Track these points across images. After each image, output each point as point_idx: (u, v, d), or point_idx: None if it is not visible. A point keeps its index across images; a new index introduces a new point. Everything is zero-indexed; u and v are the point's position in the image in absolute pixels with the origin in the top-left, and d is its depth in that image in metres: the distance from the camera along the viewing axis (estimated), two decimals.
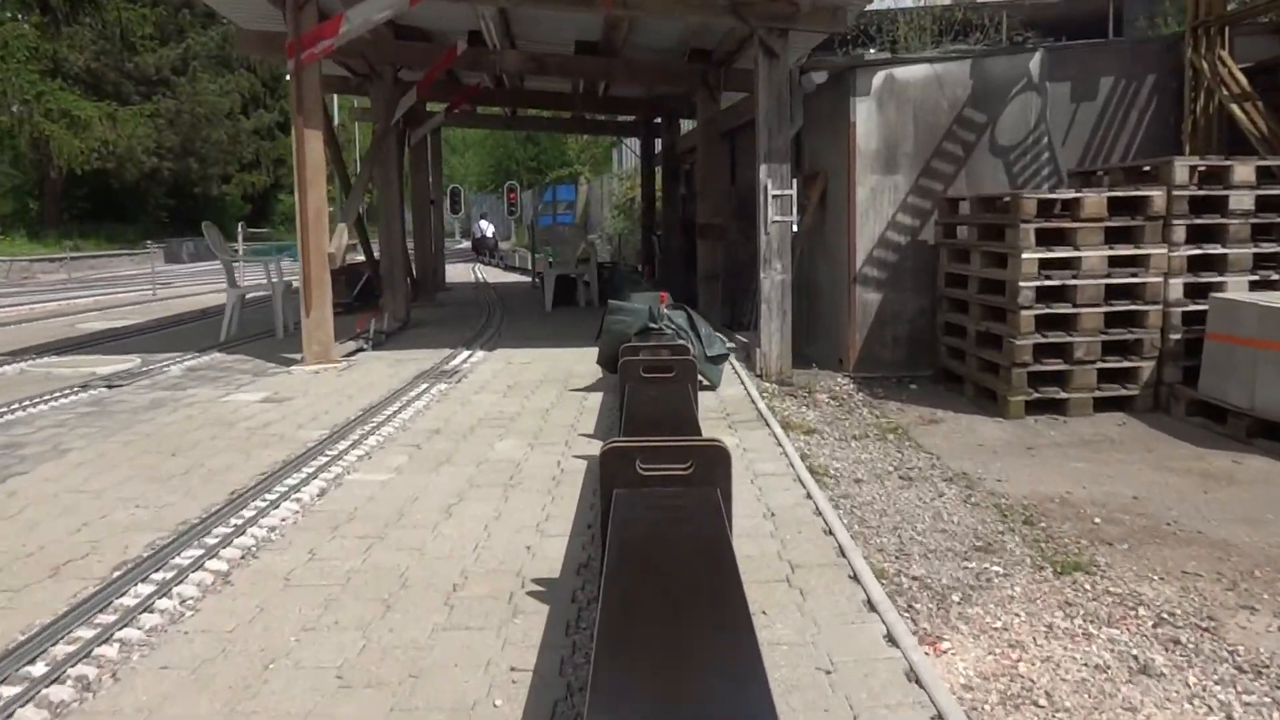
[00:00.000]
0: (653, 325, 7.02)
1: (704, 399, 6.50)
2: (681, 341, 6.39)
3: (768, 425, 5.90)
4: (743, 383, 7.43)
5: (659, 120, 16.79)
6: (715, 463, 2.73)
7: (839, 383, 8.16)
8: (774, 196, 7.99)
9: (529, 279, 20.25)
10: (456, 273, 24.19)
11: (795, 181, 8.05)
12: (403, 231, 11.53)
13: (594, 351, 7.44)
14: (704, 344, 7.17)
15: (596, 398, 6.81)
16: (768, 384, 7.94)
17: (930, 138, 8.26)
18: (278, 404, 6.64)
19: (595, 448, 5.28)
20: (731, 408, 6.45)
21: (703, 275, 11.47)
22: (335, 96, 17.57)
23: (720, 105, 11.37)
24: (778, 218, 8.01)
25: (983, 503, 4.97)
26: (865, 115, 8.20)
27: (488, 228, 43.82)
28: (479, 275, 22.54)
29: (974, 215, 7.51)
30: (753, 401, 6.67)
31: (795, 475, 4.89)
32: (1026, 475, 5.52)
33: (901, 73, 8.22)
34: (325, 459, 5.06)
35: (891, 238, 8.30)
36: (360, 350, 9.19)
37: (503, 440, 5.49)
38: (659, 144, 17.63)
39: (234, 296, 10.51)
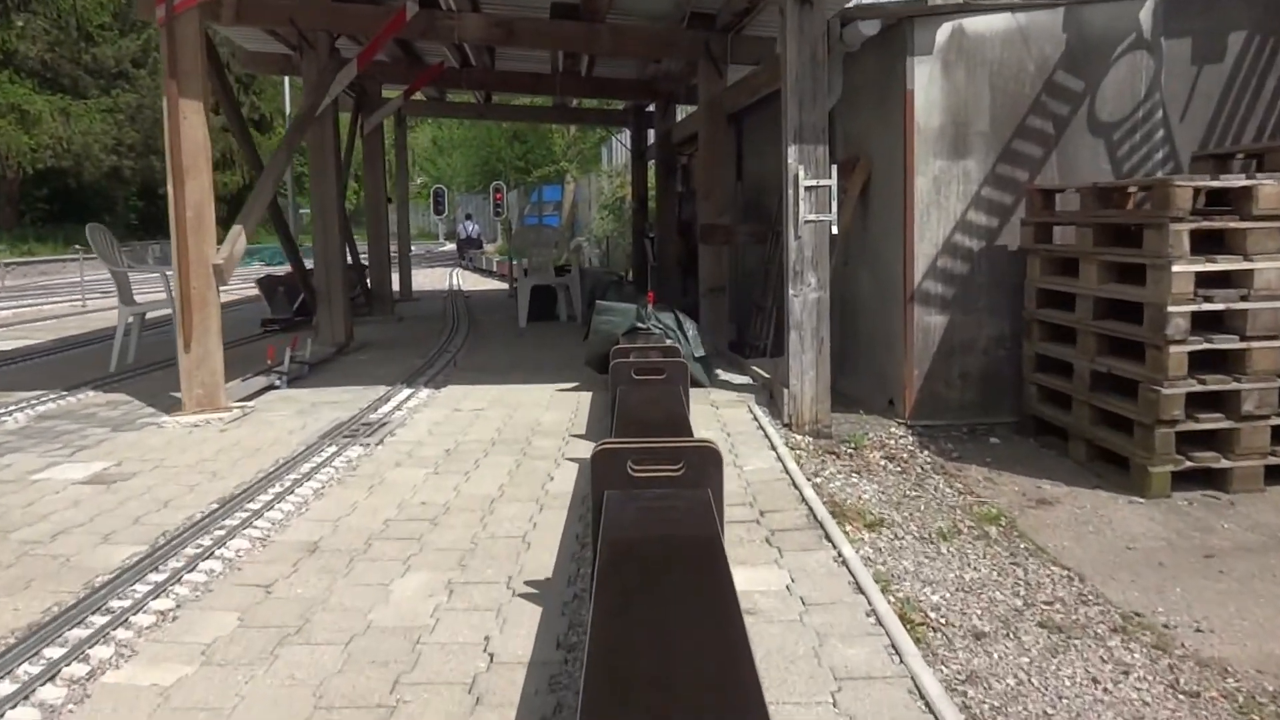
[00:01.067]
0: (640, 325, 7.05)
1: (727, 484, 4.47)
2: (670, 342, 6.41)
3: (821, 530, 3.88)
4: (769, 440, 5.43)
5: (651, 108, 14.79)
6: (707, 463, 2.68)
7: (893, 434, 6.16)
8: (807, 189, 6.00)
9: (507, 286, 18.27)
10: (432, 279, 22.21)
11: (835, 169, 6.05)
12: (342, 235, 9.50)
13: (569, 390, 6.46)
14: (691, 344, 7.07)
15: (568, 475, 4.77)
16: (799, 435, 5.95)
17: (1011, 111, 6.27)
18: (106, 487, 4.61)
19: (562, 590, 3.26)
20: (763, 497, 4.41)
21: (706, 287, 9.47)
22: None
23: (726, 82, 9.36)
24: (812, 216, 6.01)
25: (1201, 687, 2.98)
26: (926, 81, 6.20)
27: (473, 229, 42.72)
28: (455, 282, 20.50)
29: (1086, 212, 5.51)
30: (789, 479, 4.64)
31: (887, 641, 2.89)
32: (1235, 615, 3.53)
33: (974, 24, 6.22)
34: (90, 628, 3.00)
35: (961, 242, 6.30)
36: (271, 388, 7.15)
37: (407, 575, 3.43)
38: (652, 135, 15.63)
39: (127, 316, 8.46)
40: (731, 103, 9.13)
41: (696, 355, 7.05)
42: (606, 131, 21.81)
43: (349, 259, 12.89)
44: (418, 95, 15.85)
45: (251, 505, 4.22)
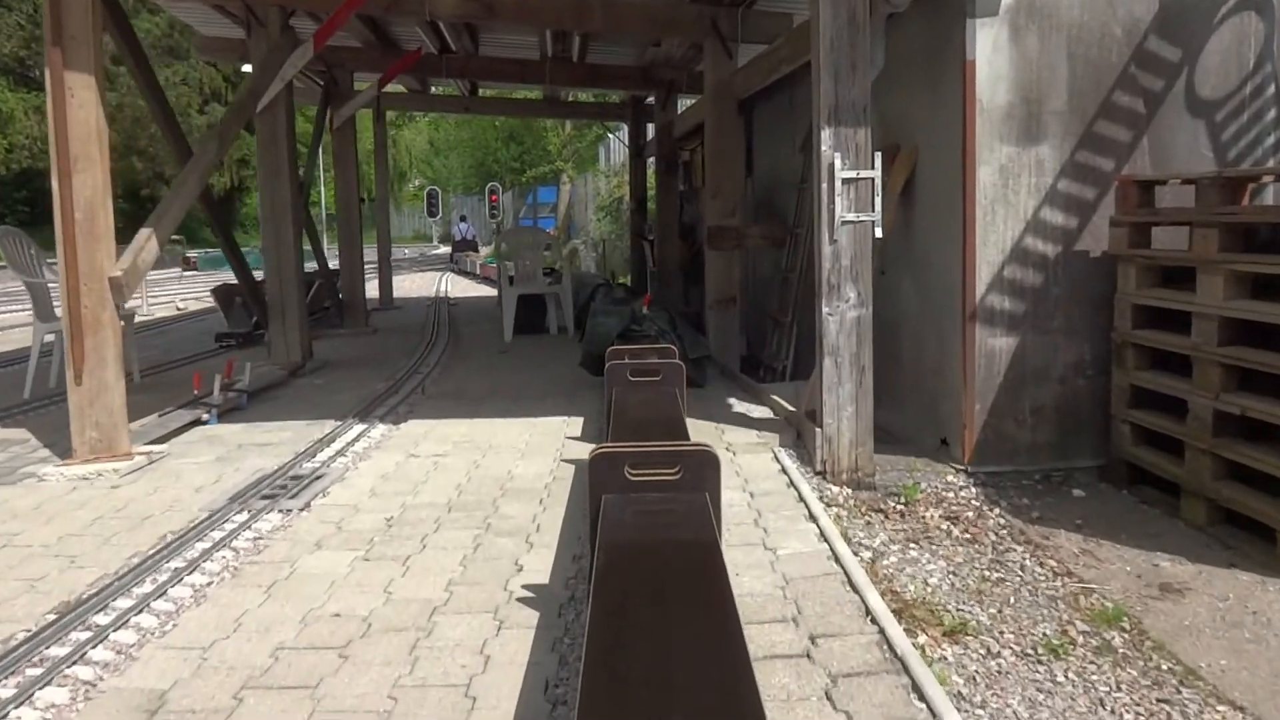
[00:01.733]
0: (635, 327, 7.09)
1: (757, 582, 3.27)
2: (666, 343, 6.30)
3: (905, 676, 2.69)
4: (804, 504, 4.26)
5: (650, 100, 13.62)
6: (704, 467, 2.65)
7: (950, 484, 4.99)
8: (845, 182, 4.83)
9: (496, 293, 17.10)
10: (419, 285, 21.05)
11: (879, 157, 4.88)
12: (298, 240, 8.33)
13: (554, 424, 5.63)
14: (686, 345, 6.87)
15: (541, 564, 3.57)
16: (835, 487, 4.80)
17: (1094, 86, 5.10)
18: None
19: None
20: (810, 606, 3.21)
21: (714, 298, 8.30)
22: None
23: (736, 63, 8.19)
24: (851, 216, 4.85)
25: None
26: (990, 49, 5.03)
27: (468, 231, 42.12)
28: (443, 288, 19.32)
29: (1207, 209, 4.33)
30: (843, 573, 3.45)
31: None
32: None
33: None
34: None
35: (1032, 247, 5.12)
36: (197, 424, 5.98)
37: None
38: (651, 131, 14.48)
39: (45, 334, 7.30)
40: (743, 86, 7.96)
41: (692, 356, 6.79)
42: (603, 128, 20.65)
43: (318, 266, 11.74)
44: (395, 87, 14.71)
45: (100, 618, 3.04)
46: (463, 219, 45.81)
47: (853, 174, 4.85)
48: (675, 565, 2.31)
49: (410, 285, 21.55)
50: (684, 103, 12.35)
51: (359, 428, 5.85)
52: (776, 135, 9.16)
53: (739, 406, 6.19)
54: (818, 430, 4.94)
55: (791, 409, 5.76)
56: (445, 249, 37.91)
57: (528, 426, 5.79)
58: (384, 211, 14.91)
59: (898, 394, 5.86)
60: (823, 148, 4.87)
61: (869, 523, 4.45)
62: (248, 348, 9.54)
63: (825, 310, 4.91)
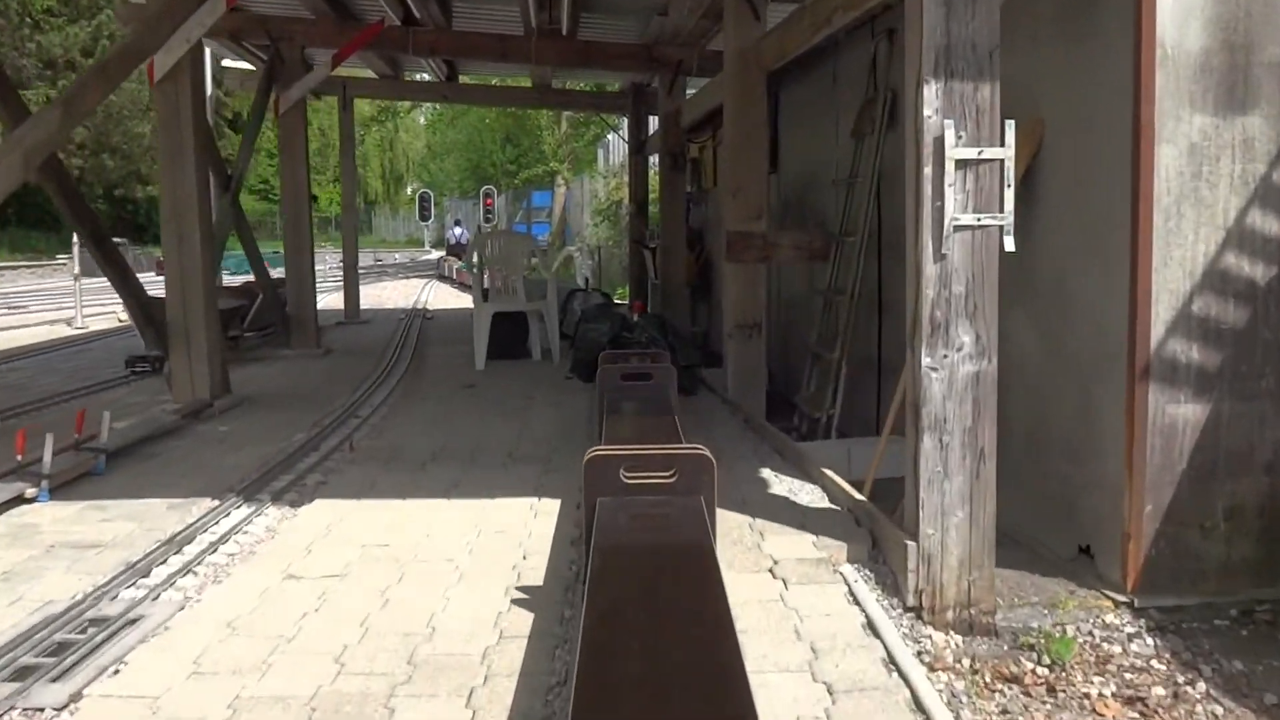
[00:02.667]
0: (627, 334, 7.15)
1: None
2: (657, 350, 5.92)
3: None
4: (910, 692, 2.52)
5: (652, 86, 11.92)
6: (699, 471, 2.62)
7: (1112, 627, 3.29)
8: (959, 164, 3.12)
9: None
10: (399, 294, 19.32)
11: (1011, 128, 3.17)
12: (209, 246, 6.61)
13: (518, 518, 4.07)
14: (678, 353, 6.49)
15: None
16: (940, 633, 3.12)
17: None
18: None
19: None
20: None
21: (735, 323, 6.58)
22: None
23: (765, 25, 6.48)
24: (968, 217, 3.15)
25: None
26: None
27: (462, 235, 41.23)
28: (425, 297, 17.56)
29: None
30: None
31: None
32: None
33: None
34: None
35: (1235, 268, 3.39)
36: (18, 503, 4.24)
37: None
38: (655, 123, 12.78)
39: None
40: (774, 54, 6.22)
41: (683, 364, 6.53)
42: (601, 121, 18.93)
43: (257, 277, 10.02)
44: (363, 71, 13.01)
45: None
46: (457, 223, 44.64)
47: (972, 153, 3.13)
48: (670, 569, 2.31)
49: (388, 295, 19.84)
50: (696, 87, 10.61)
51: (239, 514, 4.11)
52: (812, 120, 7.44)
53: (778, 484, 4.46)
54: (910, 544, 3.22)
55: (856, 495, 4.02)
56: (438, 254, 36.08)
57: (478, 517, 4.04)
58: (351, 214, 13.21)
59: (1015, 473, 4.11)
60: (925, 113, 3.15)
61: (1004, 709, 2.75)
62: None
63: (925, 361, 3.19)
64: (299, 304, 9.73)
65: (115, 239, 9.79)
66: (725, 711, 1.67)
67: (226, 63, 12.32)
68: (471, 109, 37.84)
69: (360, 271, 32.46)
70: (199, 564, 3.52)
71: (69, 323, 12.84)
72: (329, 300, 14.43)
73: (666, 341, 6.97)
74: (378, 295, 19.74)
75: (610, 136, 25.05)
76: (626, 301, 13.18)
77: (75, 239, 11.21)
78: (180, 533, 3.82)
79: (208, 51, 10.74)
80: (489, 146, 59.07)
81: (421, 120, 68.46)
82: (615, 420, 3.97)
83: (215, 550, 3.67)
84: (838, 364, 5.71)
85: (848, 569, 3.44)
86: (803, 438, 5.89)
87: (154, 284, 8.54)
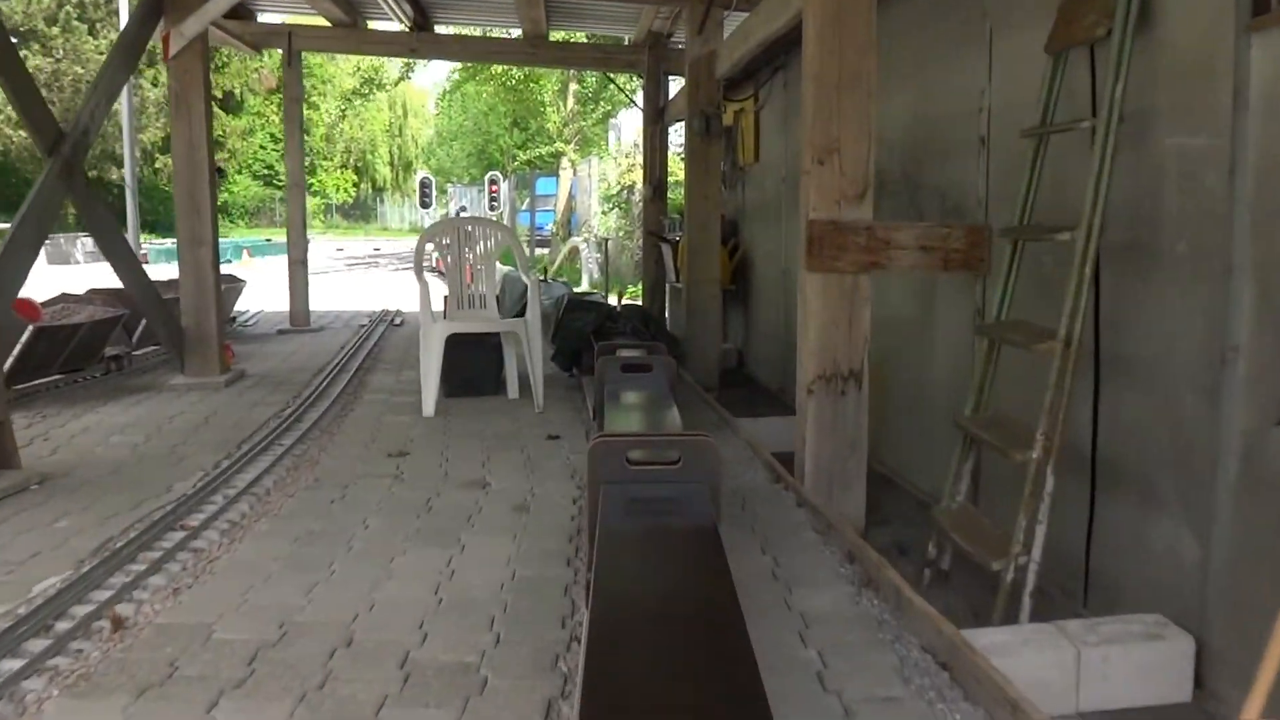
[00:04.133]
0: (610, 324, 6.93)
1: None
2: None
3: None
4: None
5: (675, 36, 9.36)
6: (704, 456, 2.59)
7: None
8: None
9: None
10: (378, 291, 16.82)
11: None
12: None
13: None
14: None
15: None
16: None
17: None
18: None
19: None
20: None
21: (820, 370, 3.98)
22: None
23: None
24: None
25: None
26: None
27: None
28: (403, 295, 15.01)
29: None
30: None
31: None
32: None
33: None
34: None
35: None
36: None
37: None
38: (676, 85, 10.23)
39: None
40: None
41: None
42: (610, 86, 16.26)
43: (126, 285, 7.44)
44: (314, 19, 10.44)
45: None
46: (462, 209, 42.68)
47: None
48: (676, 553, 2.31)
49: (365, 292, 17.35)
50: (744, 21, 7.97)
51: None
52: (932, 40, 4.85)
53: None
54: None
55: None
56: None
57: None
58: (299, 196, 10.62)
59: None
60: None
61: None
62: None
63: None
64: (197, 314, 7.16)
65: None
66: (734, 688, 1.65)
67: None
68: (478, 91, 35.41)
69: (350, 263, 30.05)
70: None
71: None
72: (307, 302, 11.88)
73: (650, 334, 6.82)
74: (353, 292, 17.25)
75: (621, 115, 22.44)
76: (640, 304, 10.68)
77: None
78: None
79: None
80: (495, 130, 56.59)
81: (432, 108, 66.32)
82: (614, 410, 3.88)
83: None
84: (1038, 469, 3.10)
85: None
86: (971, 615, 3.30)
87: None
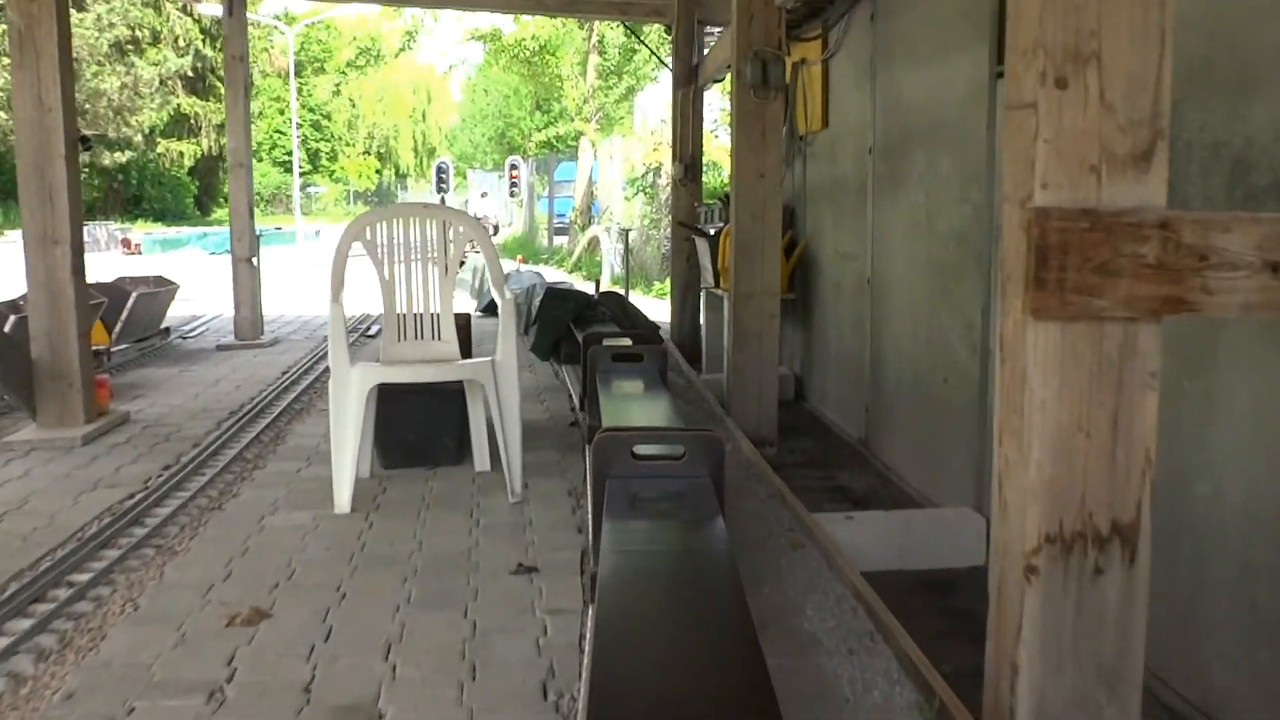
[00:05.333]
0: (589, 311, 6.93)
1: None
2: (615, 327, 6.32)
3: None
4: None
5: None
6: (708, 449, 2.58)
7: None
8: None
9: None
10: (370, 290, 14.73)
11: None
12: None
13: None
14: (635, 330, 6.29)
15: None
16: None
17: None
18: None
19: None
20: None
21: (1037, 535, 1.84)
22: None
23: None
24: None
25: None
26: None
27: (486, 212, 38.17)
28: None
29: None
30: None
31: None
32: None
33: None
34: None
35: None
36: None
37: None
38: (709, 43, 8.18)
39: None
40: None
41: None
42: (633, 53, 14.11)
43: None
44: None
45: None
46: (483, 195, 41.66)
47: None
48: (680, 550, 2.30)
49: (352, 289, 15.29)
50: None
51: None
52: None
53: None
54: None
55: None
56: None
57: None
58: (243, 178, 8.62)
59: None
60: None
61: None
62: None
63: None
64: (50, 341, 5.15)
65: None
66: (744, 698, 1.60)
67: None
68: (500, 71, 33.47)
69: (358, 254, 28.26)
70: None
71: None
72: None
73: (629, 321, 6.84)
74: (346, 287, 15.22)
75: (647, 92, 20.33)
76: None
77: None
78: None
79: None
80: (516, 114, 54.69)
81: (456, 94, 64.79)
82: (608, 400, 3.72)
83: None
84: None
85: None
86: None
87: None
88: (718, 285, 6.79)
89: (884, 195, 5.15)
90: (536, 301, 7.68)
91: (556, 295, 7.30)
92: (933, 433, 4.51)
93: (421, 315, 4.32)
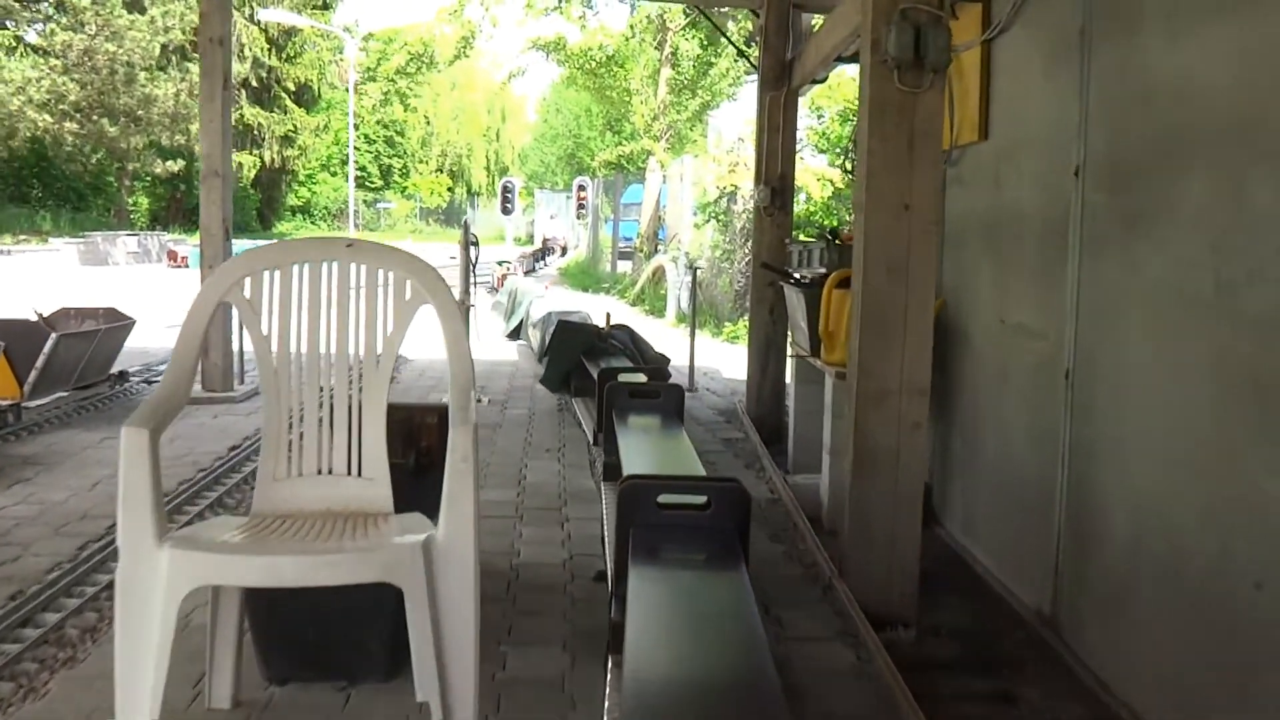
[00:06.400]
0: (600, 344, 7.00)
1: None
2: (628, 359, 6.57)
3: None
4: None
5: None
6: (733, 500, 2.42)
7: None
8: None
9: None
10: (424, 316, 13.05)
11: None
12: None
13: None
14: (648, 362, 6.85)
15: None
16: None
17: None
18: None
19: None
20: None
21: None
22: None
23: None
24: None
25: None
26: None
27: (555, 234, 35.34)
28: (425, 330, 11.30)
29: None
30: None
31: None
32: None
33: None
34: None
35: None
36: None
37: None
38: (809, 30, 6.33)
39: None
40: None
41: None
42: (708, 65, 12.31)
43: None
44: None
45: None
46: (552, 217, 41.81)
47: None
48: (704, 594, 2.21)
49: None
50: None
51: None
52: None
53: None
54: None
55: None
56: (517, 254, 29.70)
57: None
58: (217, 189, 6.96)
59: None
60: None
61: None
62: None
63: None
64: None
65: None
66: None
67: None
68: (572, 89, 32.23)
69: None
70: None
71: None
72: None
73: (638, 349, 6.92)
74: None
75: (722, 110, 18.48)
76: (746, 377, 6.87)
77: None
78: None
79: None
80: (587, 134, 53.39)
81: (531, 114, 64.39)
82: (626, 439, 3.50)
83: None
84: None
85: None
86: None
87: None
88: (815, 354, 4.88)
89: (1105, 242, 3.21)
90: (550, 331, 7.72)
91: (568, 327, 7.35)
92: (1222, 667, 2.55)
93: (334, 428, 2.52)
